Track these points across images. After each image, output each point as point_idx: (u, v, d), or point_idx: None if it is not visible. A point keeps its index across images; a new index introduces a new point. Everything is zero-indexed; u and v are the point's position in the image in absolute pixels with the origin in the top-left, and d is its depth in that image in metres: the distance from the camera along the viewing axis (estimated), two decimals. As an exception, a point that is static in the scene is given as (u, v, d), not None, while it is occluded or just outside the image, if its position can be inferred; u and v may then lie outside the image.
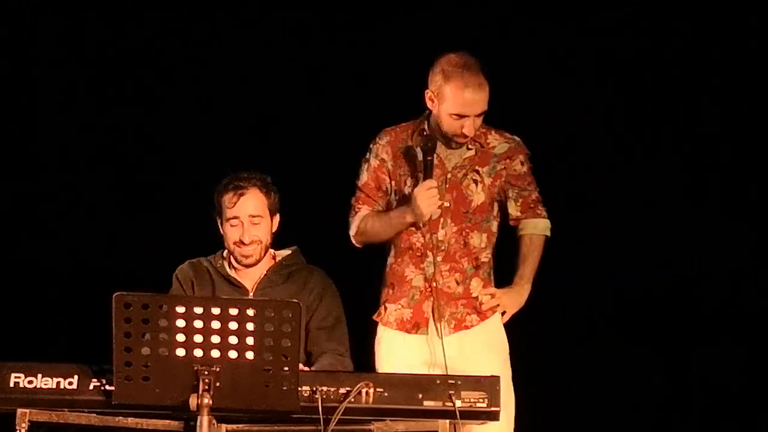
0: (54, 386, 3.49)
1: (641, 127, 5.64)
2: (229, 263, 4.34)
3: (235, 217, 4.24)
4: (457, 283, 4.35)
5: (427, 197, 4.21)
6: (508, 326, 4.43)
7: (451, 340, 4.29)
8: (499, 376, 3.65)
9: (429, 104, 4.34)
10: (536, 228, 4.45)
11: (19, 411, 3.46)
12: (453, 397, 3.56)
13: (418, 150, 4.35)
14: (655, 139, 5.63)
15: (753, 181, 5.56)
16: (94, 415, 3.53)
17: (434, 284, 4.31)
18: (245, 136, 5.67)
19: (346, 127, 5.48)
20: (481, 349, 4.31)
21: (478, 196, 4.37)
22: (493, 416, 3.60)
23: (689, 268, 5.54)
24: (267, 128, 5.74)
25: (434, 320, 4.31)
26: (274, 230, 4.33)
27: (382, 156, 4.46)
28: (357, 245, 4.51)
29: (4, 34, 5.70)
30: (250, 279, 4.31)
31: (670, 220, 5.57)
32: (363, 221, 4.45)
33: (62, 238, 5.70)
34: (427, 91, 4.33)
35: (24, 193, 5.71)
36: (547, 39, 5.57)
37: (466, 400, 3.56)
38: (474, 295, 4.36)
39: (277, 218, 4.34)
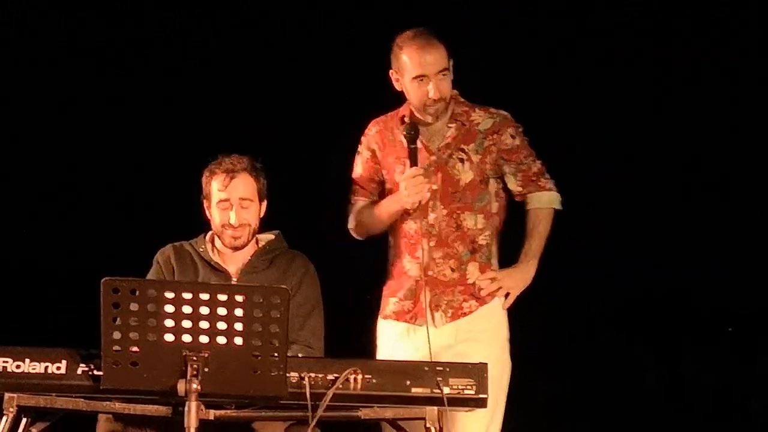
0: (42, 371, 3.48)
1: (641, 126, 5.65)
2: (213, 247, 4.33)
3: (226, 200, 4.23)
4: (452, 270, 4.30)
5: (413, 184, 4.19)
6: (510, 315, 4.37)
7: (447, 329, 4.25)
8: (486, 363, 3.64)
9: (396, 85, 4.35)
10: (540, 201, 4.37)
11: (7, 395, 3.45)
12: (441, 384, 3.56)
13: (402, 138, 4.34)
14: (656, 139, 5.64)
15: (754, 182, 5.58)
16: (82, 399, 3.51)
17: (429, 273, 4.27)
18: (230, 120, 5.68)
19: (330, 111, 5.50)
20: (478, 336, 4.24)
21: (465, 175, 4.32)
22: (481, 403, 3.61)
23: (687, 269, 5.56)
24: (251, 112, 5.74)
25: (432, 310, 4.26)
26: (261, 215, 4.33)
27: (372, 147, 4.47)
28: (358, 238, 4.51)
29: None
30: (233, 264, 4.30)
31: (668, 220, 5.59)
32: (359, 213, 4.45)
33: (52, 230, 5.71)
34: (390, 72, 4.34)
35: (10, 179, 5.72)
36: (547, 36, 5.57)
37: (454, 387, 3.57)
38: (470, 281, 4.30)
39: (264, 203, 4.34)
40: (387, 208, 4.34)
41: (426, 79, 4.24)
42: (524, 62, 5.49)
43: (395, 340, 4.35)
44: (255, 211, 4.28)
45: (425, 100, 4.26)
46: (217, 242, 4.34)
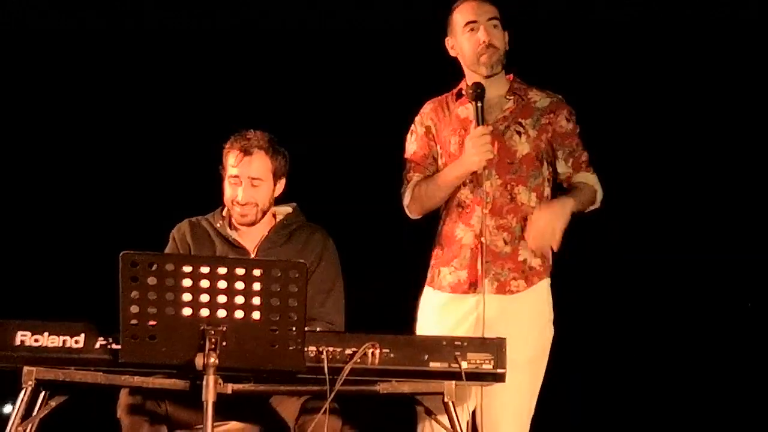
0: (60, 344, 3.49)
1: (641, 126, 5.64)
2: (230, 222, 4.31)
3: (236, 176, 4.21)
4: (505, 243, 4.23)
5: (480, 143, 4.12)
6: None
7: (492, 301, 4.15)
8: (505, 338, 3.63)
9: (451, 52, 4.36)
10: (587, 179, 4.31)
11: (26, 369, 3.46)
12: (459, 359, 3.56)
13: (461, 110, 4.32)
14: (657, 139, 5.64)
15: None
16: (101, 373, 3.52)
17: (483, 240, 4.20)
18: (252, 92, 5.67)
19: (355, 84, 5.49)
20: (524, 318, 4.17)
21: (522, 146, 4.27)
22: (499, 378, 3.61)
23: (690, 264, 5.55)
24: (272, 83, 5.74)
25: (484, 278, 4.19)
26: (277, 194, 4.30)
27: (426, 123, 4.45)
28: (412, 216, 4.43)
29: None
30: (250, 240, 4.28)
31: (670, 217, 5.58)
32: (416, 187, 4.38)
33: (71, 203, 5.72)
34: (447, 39, 4.37)
35: (28, 151, 5.73)
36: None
37: (472, 362, 3.57)
38: (521, 258, 4.23)
39: (282, 182, 4.30)
40: (451, 173, 4.26)
41: (477, 25, 4.27)
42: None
43: (448, 311, 4.28)
44: (266, 191, 4.25)
45: (478, 49, 4.27)
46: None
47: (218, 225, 4.29)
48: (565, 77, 5.15)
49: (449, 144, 4.35)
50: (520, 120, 4.32)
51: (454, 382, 3.58)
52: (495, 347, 3.60)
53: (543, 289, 4.27)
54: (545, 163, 4.33)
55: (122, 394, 3.82)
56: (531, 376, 4.12)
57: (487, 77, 4.29)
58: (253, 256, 4.23)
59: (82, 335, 3.50)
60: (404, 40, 4.68)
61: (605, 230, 5.48)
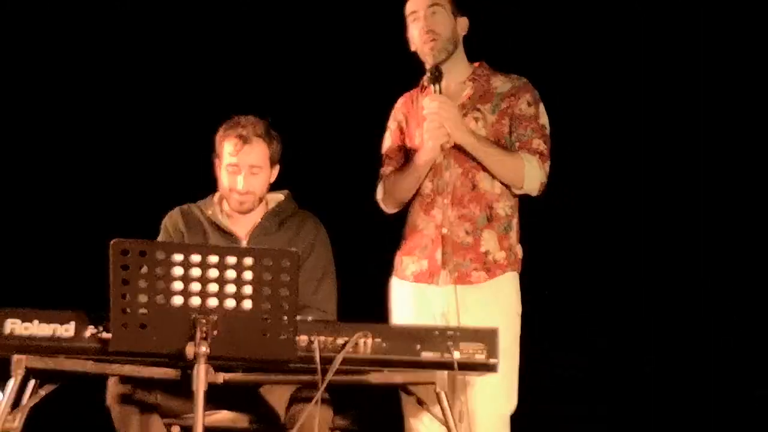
0: (50, 333, 3.47)
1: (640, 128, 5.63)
2: (221, 209, 4.29)
3: (235, 165, 4.19)
4: (467, 233, 4.22)
5: (432, 128, 4.12)
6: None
7: (452, 291, 4.13)
8: (497, 328, 3.62)
9: (411, 47, 4.36)
10: (525, 157, 4.20)
11: (15, 357, 3.44)
12: (451, 349, 3.54)
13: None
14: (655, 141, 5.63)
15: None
16: (91, 362, 3.51)
17: (444, 230, 4.20)
18: (241, 78, 5.65)
19: (346, 72, 5.47)
20: (484, 309, 4.14)
21: (479, 132, 4.24)
22: (492, 368, 3.59)
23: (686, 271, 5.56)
24: (263, 69, 5.72)
25: (443, 269, 4.20)
26: (272, 180, 4.29)
27: (398, 118, 4.47)
28: (387, 210, 4.44)
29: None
30: (242, 227, 4.26)
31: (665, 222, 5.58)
32: (386, 180, 4.39)
33: (61, 190, 5.70)
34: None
35: (18, 140, 5.71)
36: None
37: (464, 352, 3.55)
38: (483, 249, 4.21)
39: (276, 168, 4.30)
40: (414, 162, 4.25)
41: (418, 14, 4.28)
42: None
43: (411, 302, 4.29)
44: (264, 178, 4.24)
45: (422, 37, 4.27)
46: (226, 204, 4.30)
47: (210, 212, 4.27)
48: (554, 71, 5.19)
49: (415, 137, 4.35)
50: (478, 106, 4.30)
51: (446, 372, 3.56)
52: (488, 337, 3.58)
53: (507, 281, 4.24)
54: (512, 149, 4.27)
55: (112, 382, 3.81)
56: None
57: (438, 65, 4.25)
58: (245, 243, 4.22)
59: (72, 324, 3.48)
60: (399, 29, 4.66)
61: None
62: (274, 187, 4.34)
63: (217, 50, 5.75)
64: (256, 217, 4.28)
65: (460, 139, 4.15)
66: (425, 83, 4.32)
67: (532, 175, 4.21)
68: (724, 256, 5.56)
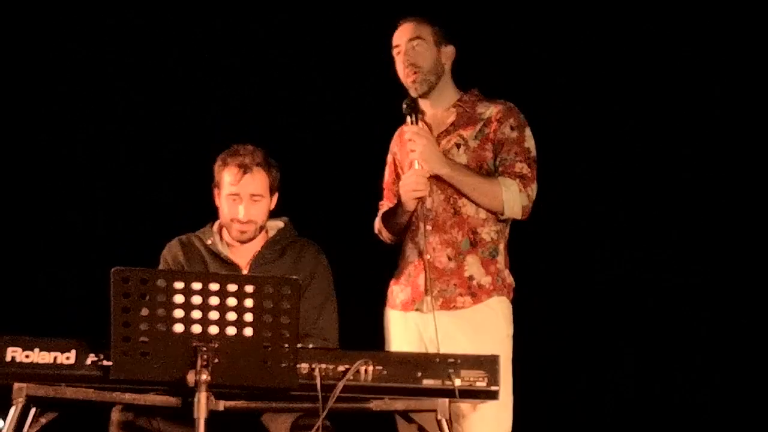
0: (51, 361, 3.47)
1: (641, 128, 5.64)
2: (221, 238, 4.29)
3: (236, 194, 4.19)
4: (449, 259, 4.21)
5: (408, 185, 4.16)
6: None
7: (437, 317, 4.13)
8: (498, 356, 3.61)
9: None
10: (504, 182, 4.18)
11: (16, 385, 3.43)
12: (452, 376, 3.54)
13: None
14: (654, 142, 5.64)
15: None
16: (92, 390, 3.50)
17: (426, 257, 4.20)
18: (240, 110, 5.68)
19: (345, 101, 5.49)
20: (470, 334, 4.14)
21: (460, 158, 4.25)
22: (493, 395, 3.58)
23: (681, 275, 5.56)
24: (262, 100, 5.74)
25: (426, 295, 4.20)
26: (271, 208, 4.29)
27: (393, 150, 4.51)
28: (386, 241, 4.47)
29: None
30: (242, 256, 4.26)
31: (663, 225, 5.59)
32: (380, 216, 4.44)
33: (62, 218, 5.71)
34: None
35: (21, 166, 5.72)
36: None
37: (465, 379, 3.54)
38: (467, 274, 4.21)
39: (276, 196, 4.30)
40: (398, 206, 4.28)
41: (400, 48, 4.32)
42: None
43: (398, 329, 4.31)
44: (265, 207, 4.24)
45: (405, 71, 4.30)
46: (226, 233, 4.30)
47: (209, 242, 4.27)
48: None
49: (405, 167, 4.37)
50: (461, 132, 4.30)
51: (447, 399, 3.56)
52: (489, 364, 3.58)
53: (494, 305, 4.22)
54: (494, 173, 4.27)
55: (114, 410, 3.80)
56: None
57: (421, 96, 4.30)
58: (245, 272, 4.21)
59: (73, 351, 3.48)
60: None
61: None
62: (272, 215, 4.34)
63: (213, 78, 5.77)
64: (257, 245, 4.27)
65: (434, 169, 4.17)
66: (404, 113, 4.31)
67: (510, 199, 4.19)
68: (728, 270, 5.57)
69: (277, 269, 4.20)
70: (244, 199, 4.19)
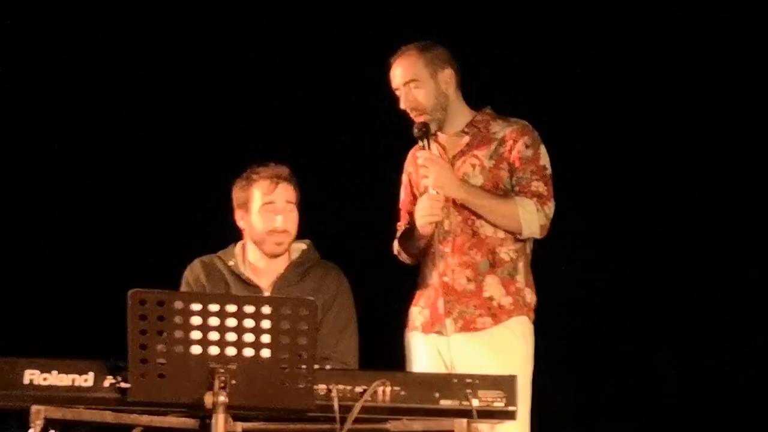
0: (69, 383, 3.47)
1: (659, 129, 5.63)
2: (243, 259, 4.29)
3: (272, 202, 4.19)
4: (468, 280, 4.21)
5: (425, 210, 4.16)
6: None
7: (457, 340, 4.16)
8: (516, 376, 3.61)
9: None
10: (521, 202, 4.17)
11: (34, 408, 3.43)
12: (470, 396, 3.53)
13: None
14: (675, 141, 5.62)
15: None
16: (109, 412, 3.50)
17: (444, 279, 4.21)
18: (257, 131, 5.70)
19: (363, 120, 5.50)
20: (490, 354, 4.14)
21: (475, 180, 4.24)
22: (511, 415, 3.57)
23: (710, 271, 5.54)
24: (280, 123, 5.76)
25: (445, 317, 4.19)
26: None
27: (408, 170, 4.50)
28: (405, 262, 4.47)
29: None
30: (265, 278, 4.26)
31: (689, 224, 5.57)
32: (399, 239, 4.43)
33: (80, 240, 5.73)
34: None
35: (40, 189, 5.74)
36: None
37: (483, 399, 3.53)
38: (487, 295, 4.20)
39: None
40: (415, 231, 4.28)
41: (398, 92, 4.32)
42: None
43: (420, 351, 4.30)
44: (296, 218, 4.25)
45: (405, 109, 4.30)
46: (249, 254, 4.30)
47: (231, 263, 4.27)
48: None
49: (420, 187, 4.36)
50: (475, 152, 4.29)
51: (465, 420, 3.55)
52: (507, 384, 3.56)
53: (514, 326, 4.21)
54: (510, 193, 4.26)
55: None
56: None
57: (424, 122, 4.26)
58: (267, 294, 4.21)
59: (91, 374, 3.48)
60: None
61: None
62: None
63: (226, 102, 5.80)
64: (280, 267, 4.27)
65: (449, 194, 4.18)
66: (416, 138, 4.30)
67: (528, 219, 4.18)
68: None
69: (300, 291, 4.19)
70: (280, 206, 4.20)
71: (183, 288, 4.27)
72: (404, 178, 4.51)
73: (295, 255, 4.32)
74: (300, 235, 4.34)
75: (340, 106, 5.76)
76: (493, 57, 5.10)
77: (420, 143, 4.23)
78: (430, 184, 4.17)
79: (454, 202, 4.23)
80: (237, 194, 4.26)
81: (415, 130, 4.24)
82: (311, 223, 4.38)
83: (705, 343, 5.63)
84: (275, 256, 4.24)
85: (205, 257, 4.33)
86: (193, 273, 4.28)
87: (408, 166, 4.51)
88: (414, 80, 4.28)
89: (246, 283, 4.24)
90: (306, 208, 4.32)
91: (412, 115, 4.29)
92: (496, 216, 4.19)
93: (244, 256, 4.30)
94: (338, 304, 4.24)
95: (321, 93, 5.79)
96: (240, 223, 4.28)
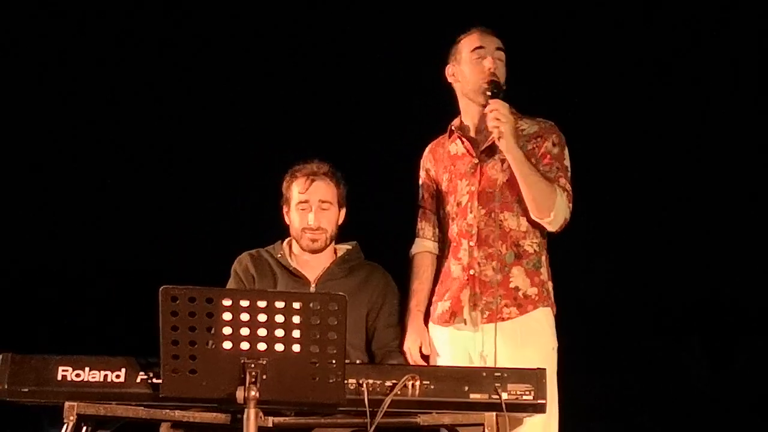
0: (101, 379, 3.51)
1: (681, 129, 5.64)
2: (290, 252, 4.36)
3: (305, 201, 4.27)
4: (494, 271, 4.21)
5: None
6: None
7: (485, 330, 4.16)
8: (545, 369, 3.62)
9: (451, 80, 4.37)
10: (558, 191, 4.16)
11: (67, 404, 3.47)
12: (499, 390, 3.55)
13: (458, 140, 4.32)
14: (701, 140, 5.62)
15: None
16: (142, 408, 3.54)
17: (471, 272, 4.22)
18: (307, 130, 5.72)
19: (415, 125, 5.51)
20: (517, 344, 4.14)
21: (503, 174, 4.23)
22: (540, 408, 3.59)
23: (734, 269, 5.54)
24: (327, 122, 5.78)
25: (470, 309, 4.21)
26: (339, 222, 4.36)
27: (426, 166, 4.50)
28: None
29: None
30: (312, 270, 4.32)
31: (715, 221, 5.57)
32: (415, 257, 4.44)
33: (113, 235, 5.76)
34: (447, 67, 4.38)
35: (73, 187, 5.77)
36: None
37: (512, 393, 3.55)
38: (513, 285, 4.20)
39: (343, 211, 4.37)
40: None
41: (484, 52, 4.28)
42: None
43: (442, 344, 4.30)
44: (334, 216, 4.32)
45: (484, 76, 4.25)
46: (295, 248, 4.37)
47: (279, 255, 4.34)
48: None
49: (442, 182, 4.38)
50: None
51: (494, 413, 3.56)
52: (535, 378, 3.58)
53: (540, 317, 4.22)
54: None
55: (163, 428, 3.83)
56: None
57: (483, 105, 4.24)
58: (313, 287, 4.28)
59: (123, 370, 3.52)
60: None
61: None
62: (340, 240, 4.41)
63: (275, 99, 5.82)
64: (326, 262, 4.35)
65: (509, 147, 4.12)
66: (488, 94, 4.27)
67: (560, 206, 4.19)
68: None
69: (345, 287, 4.19)
70: (313, 205, 4.27)
71: (231, 279, 4.34)
72: (422, 174, 4.51)
73: (341, 252, 4.40)
74: (345, 239, 4.43)
75: (379, 114, 5.76)
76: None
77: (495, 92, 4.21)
78: (502, 130, 4.11)
79: (478, 195, 4.24)
80: (283, 190, 4.37)
81: (493, 86, 4.21)
82: (356, 226, 4.45)
83: (735, 337, 5.60)
84: (313, 251, 4.31)
85: (252, 251, 4.40)
86: (242, 264, 4.35)
87: (425, 162, 4.50)
88: (502, 50, 4.31)
89: (293, 274, 4.30)
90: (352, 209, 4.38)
91: (488, 78, 4.25)
92: (536, 191, 4.16)
93: (291, 249, 4.37)
94: (389, 301, 4.33)
95: (375, 98, 5.80)
96: (285, 219, 4.37)
